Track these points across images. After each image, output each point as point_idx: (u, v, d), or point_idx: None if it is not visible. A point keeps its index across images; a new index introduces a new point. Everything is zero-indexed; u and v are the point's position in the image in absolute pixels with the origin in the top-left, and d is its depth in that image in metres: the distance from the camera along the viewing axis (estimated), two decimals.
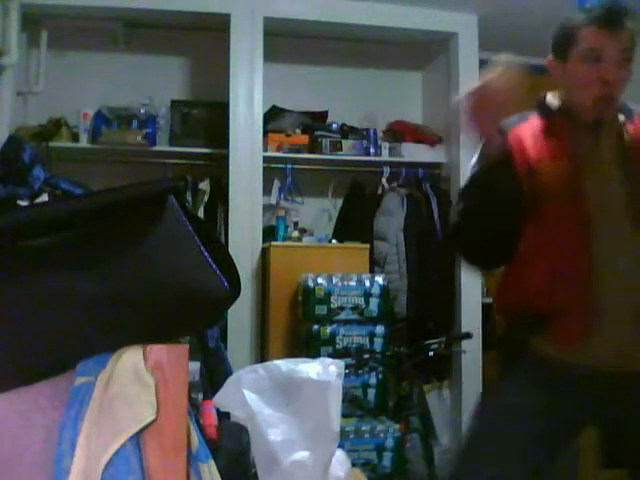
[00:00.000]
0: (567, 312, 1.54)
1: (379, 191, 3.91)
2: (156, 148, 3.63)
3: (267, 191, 3.70)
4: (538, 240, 1.59)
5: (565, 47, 1.66)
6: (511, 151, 1.57)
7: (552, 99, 1.73)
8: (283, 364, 1.16)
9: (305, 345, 3.19)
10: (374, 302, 3.21)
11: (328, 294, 3.17)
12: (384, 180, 3.89)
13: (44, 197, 2.04)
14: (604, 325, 1.52)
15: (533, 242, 1.60)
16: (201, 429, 0.88)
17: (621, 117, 1.66)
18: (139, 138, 3.54)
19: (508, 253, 1.62)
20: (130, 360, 0.81)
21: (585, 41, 1.58)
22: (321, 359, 1.20)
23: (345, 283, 3.20)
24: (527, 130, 1.66)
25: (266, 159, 3.64)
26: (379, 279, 3.27)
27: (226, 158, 3.56)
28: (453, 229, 1.65)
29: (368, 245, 3.59)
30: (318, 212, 4.06)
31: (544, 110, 1.71)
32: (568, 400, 1.56)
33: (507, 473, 1.53)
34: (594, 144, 1.62)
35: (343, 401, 1.15)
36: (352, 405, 3.12)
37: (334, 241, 3.66)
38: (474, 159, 1.63)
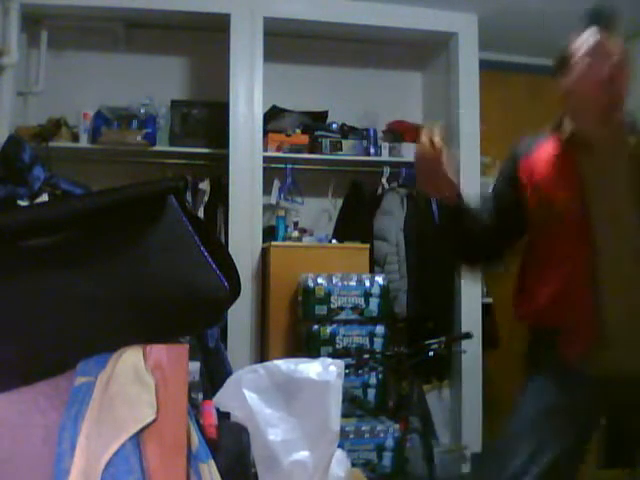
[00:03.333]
0: (574, 329, 1.63)
1: (379, 191, 3.91)
2: (156, 148, 3.63)
3: (267, 191, 3.70)
4: (548, 257, 1.68)
5: (564, 63, 1.70)
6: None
7: (567, 124, 1.72)
8: (283, 364, 1.16)
9: (305, 345, 3.19)
10: (374, 302, 3.21)
11: (328, 294, 3.17)
12: (384, 180, 3.89)
13: (44, 197, 2.04)
14: (608, 342, 1.60)
15: (543, 258, 1.69)
16: (201, 429, 0.88)
17: (632, 139, 1.64)
18: (139, 138, 3.54)
19: (493, 259, 1.82)
20: (130, 360, 0.81)
21: (578, 48, 1.62)
22: (321, 359, 1.19)
23: (345, 283, 3.20)
24: (541, 156, 1.70)
25: (266, 159, 3.64)
26: (379, 279, 3.27)
27: (226, 158, 3.56)
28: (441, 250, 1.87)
29: (368, 245, 3.59)
30: (318, 212, 4.06)
31: (558, 135, 1.72)
32: (584, 401, 1.65)
33: (541, 450, 1.65)
34: (603, 170, 1.63)
35: (343, 401, 1.15)
36: (352, 405, 3.12)
37: (334, 241, 3.66)
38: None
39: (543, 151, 1.71)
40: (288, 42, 3.99)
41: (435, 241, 1.82)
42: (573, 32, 1.65)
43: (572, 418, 1.67)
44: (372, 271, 3.57)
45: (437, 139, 1.53)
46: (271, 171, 3.71)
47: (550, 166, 1.68)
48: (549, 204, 1.64)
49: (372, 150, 3.89)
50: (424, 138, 1.54)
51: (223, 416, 0.99)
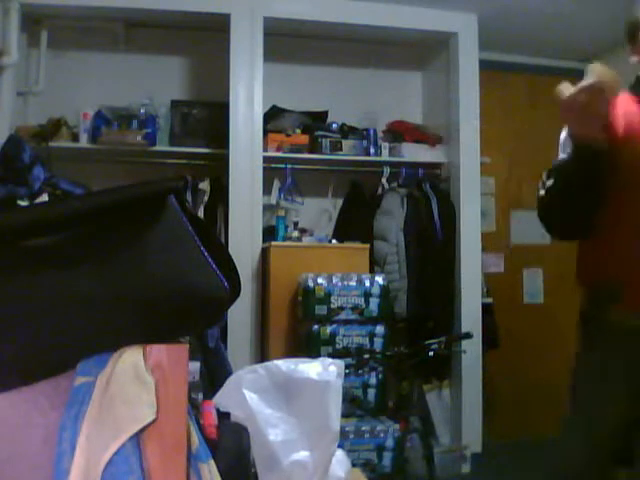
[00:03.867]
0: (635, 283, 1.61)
1: (379, 191, 3.91)
2: (156, 148, 3.63)
3: (267, 191, 3.70)
4: (619, 212, 1.64)
5: (637, 31, 1.69)
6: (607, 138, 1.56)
7: None
8: (283, 364, 1.16)
9: (305, 345, 3.19)
10: (374, 302, 3.21)
11: (328, 294, 3.17)
12: (384, 180, 3.89)
13: (44, 197, 2.04)
14: None
15: (614, 214, 1.64)
16: (201, 429, 0.88)
17: None
18: (139, 138, 3.54)
19: (590, 223, 1.68)
20: (130, 360, 0.81)
21: None
22: (321, 359, 1.19)
23: (345, 283, 3.20)
24: (619, 104, 1.62)
25: (266, 159, 3.64)
26: (379, 279, 3.27)
27: (226, 158, 3.56)
28: (539, 201, 1.71)
29: (368, 245, 3.59)
30: (318, 212, 4.06)
31: (635, 87, 1.71)
32: None
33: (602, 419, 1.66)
34: None
35: (343, 401, 1.15)
36: (352, 405, 3.12)
37: (334, 241, 3.66)
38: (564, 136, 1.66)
39: (622, 98, 1.64)
40: (288, 42, 4.00)
41: (538, 201, 1.69)
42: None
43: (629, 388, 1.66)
44: (372, 271, 3.57)
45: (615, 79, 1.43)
46: (271, 171, 3.71)
47: (626, 112, 1.64)
48: (621, 149, 1.58)
49: (372, 150, 3.89)
50: (602, 74, 1.43)
51: (223, 416, 0.99)
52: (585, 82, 1.42)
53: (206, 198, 3.64)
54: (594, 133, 1.48)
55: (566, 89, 1.46)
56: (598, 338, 1.72)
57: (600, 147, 1.51)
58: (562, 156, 1.67)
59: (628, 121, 1.63)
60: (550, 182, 1.66)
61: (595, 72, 1.42)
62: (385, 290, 3.26)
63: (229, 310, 1.02)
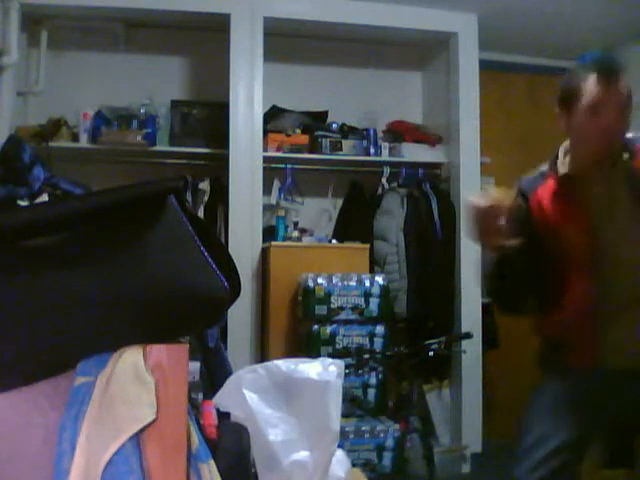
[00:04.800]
0: (583, 345, 1.77)
1: (379, 191, 3.91)
2: (156, 148, 3.63)
3: (267, 191, 3.69)
4: (564, 286, 1.79)
5: (569, 101, 1.75)
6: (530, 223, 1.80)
7: (561, 159, 1.83)
8: (283, 364, 1.16)
9: (305, 345, 3.19)
10: (374, 302, 3.21)
11: (328, 294, 3.17)
12: (384, 180, 3.89)
13: (44, 197, 2.04)
14: (611, 358, 1.73)
15: (560, 287, 1.80)
16: (201, 429, 0.88)
17: (625, 155, 1.74)
18: (139, 138, 3.54)
19: (536, 299, 1.88)
20: (130, 360, 0.81)
21: (586, 95, 1.69)
22: (321, 359, 1.19)
23: (345, 283, 3.20)
24: (546, 192, 1.82)
25: (266, 159, 3.64)
26: (379, 279, 3.27)
27: (226, 158, 3.56)
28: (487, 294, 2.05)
29: (368, 245, 3.59)
30: (318, 212, 4.06)
31: (556, 172, 1.82)
32: (595, 398, 1.78)
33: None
34: (604, 195, 1.74)
35: (343, 401, 1.15)
36: (352, 405, 3.12)
37: (334, 241, 3.66)
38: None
39: (547, 185, 1.82)
40: (288, 42, 4.00)
41: (488, 285, 2.00)
42: (578, 74, 1.73)
43: (576, 413, 1.78)
44: (372, 271, 3.57)
45: (501, 197, 1.62)
46: (271, 171, 3.71)
47: (554, 198, 1.79)
48: (558, 238, 1.77)
49: (372, 150, 3.89)
50: (487, 196, 1.62)
51: (223, 416, 0.99)
52: (477, 206, 1.63)
53: (206, 198, 3.64)
54: (492, 243, 1.71)
55: (476, 201, 1.64)
56: (553, 377, 1.87)
57: (504, 251, 1.71)
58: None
59: (544, 212, 1.80)
60: (487, 285, 1.97)
61: (486, 196, 1.62)
62: (385, 290, 3.26)
63: (229, 310, 1.03)
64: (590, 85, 1.68)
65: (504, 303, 1.96)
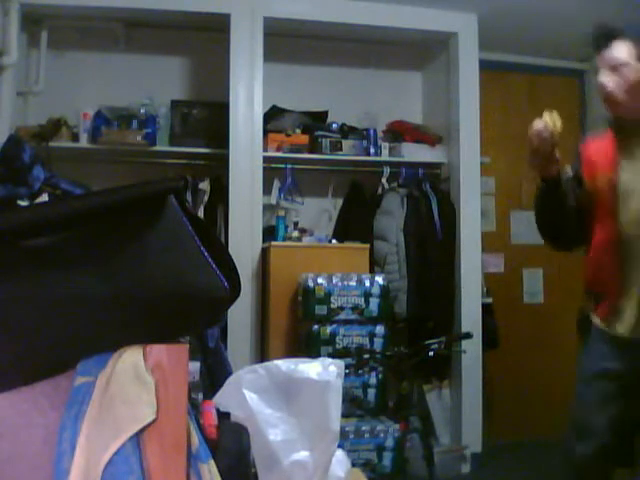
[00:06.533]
0: (606, 294, 1.95)
1: (379, 191, 3.91)
2: (156, 148, 3.63)
3: (267, 191, 3.69)
4: (596, 236, 1.97)
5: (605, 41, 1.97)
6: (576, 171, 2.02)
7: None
8: (283, 364, 1.16)
9: (305, 345, 3.18)
10: (374, 302, 3.21)
11: (328, 294, 3.17)
12: (384, 180, 3.89)
13: (44, 197, 2.04)
14: (629, 306, 1.89)
15: (594, 237, 1.98)
16: (201, 429, 0.88)
17: None
18: (139, 138, 3.54)
19: (576, 237, 2.06)
20: (130, 360, 0.81)
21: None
22: (321, 359, 1.19)
23: (345, 283, 3.20)
24: (599, 145, 2.03)
25: (266, 159, 3.64)
26: (379, 279, 3.27)
27: (226, 158, 3.56)
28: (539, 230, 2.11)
29: (368, 245, 3.59)
30: (318, 212, 4.06)
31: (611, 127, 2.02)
32: (617, 363, 1.92)
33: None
34: (633, 152, 1.93)
35: (343, 401, 1.15)
36: (352, 405, 3.12)
37: (334, 241, 3.66)
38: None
39: (604, 139, 2.01)
40: (288, 42, 4.00)
41: (536, 216, 2.09)
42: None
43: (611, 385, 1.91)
44: (372, 271, 3.57)
45: (558, 124, 1.81)
46: (271, 171, 3.70)
47: (604, 150, 1.99)
48: (597, 184, 1.95)
49: (372, 150, 3.88)
50: (545, 120, 1.81)
51: (223, 416, 0.99)
52: (534, 128, 1.83)
53: (206, 198, 3.64)
54: (543, 169, 1.91)
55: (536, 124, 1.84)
56: (585, 341, 2.04)
57: (553, 179, 1.92)
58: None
59: (593, 161, 1.99)
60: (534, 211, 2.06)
61: (543, 120, 1.82)
62: (385, 290, 3.26)
63: (229, 310, 1.03)
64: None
65: (551, 235, 2.09)
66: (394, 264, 3.71)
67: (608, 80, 1.90)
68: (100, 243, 0.85)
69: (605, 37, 1.93)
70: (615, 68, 1.89)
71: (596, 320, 1.98)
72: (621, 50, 1.89)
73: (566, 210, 1.97)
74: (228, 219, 3.52)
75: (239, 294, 0.97)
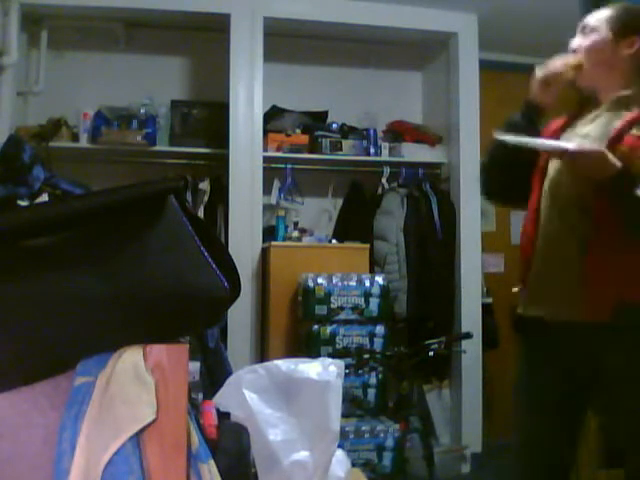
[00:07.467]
0: (523, 275, 1.90)
1: (379, 191, 3.91)
2: (156, 148, 3.63)
3: (267, 191, 3.69)
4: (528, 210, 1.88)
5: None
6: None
7: None
8: (283, 364, 1.16)
9: (305, 345, 3.19)
10: (374, 302, 3.21)
11: (328, 294, 3.17)
12: (384, 180, 3.89)
13: (44, 197, 2.04)
14: (541, 287, 1.81)
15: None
16: (201, 429, 0.88)
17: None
18: (139, 138, 3.54)
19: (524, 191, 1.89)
20: (130, 360, 0.81)
21: None
22: (321, 359, 1.19)
23: (345, 283, 3.20)
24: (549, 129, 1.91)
25: (266, 159, 3.64)
26: (379, 279, 3.27)
27: (226, 158, 3.56)
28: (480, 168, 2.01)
29: (368, 245, 3.59)
30: (318, 212, 4.06)
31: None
32: (543, 351, 1.87)
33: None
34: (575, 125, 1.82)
35: (343, 401, 1.15)
36: (352, 405, 3.12)
37: (334, 241, 3.66)
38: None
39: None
40: (288, 42, 4.00)
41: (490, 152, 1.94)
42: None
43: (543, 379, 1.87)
44: (372, 271, 3.57)
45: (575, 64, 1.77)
46: (271, 171, 3.71)
47: (553, 124, 1.88)
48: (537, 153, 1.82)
49: (372, 150, 3.88)
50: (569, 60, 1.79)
51: (223, 416, 0.99)
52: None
53: (206, 198, 3.64)
54: (537, 92, 1.82)
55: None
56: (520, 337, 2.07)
57: (535, 106, 1.81)
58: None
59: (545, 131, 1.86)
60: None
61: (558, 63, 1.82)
62: (385, 290, 3.26)
63: (229, 310, 1.02)
64: None
65: (490, 185, 2.00)
66: (394, 264, 3.71)
67: (573, 43, 1.85)
68: (100, 243, 0.85)
69: (593, 3, 1.88)
70: (584, 32, 1.83)
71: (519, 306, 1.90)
72: (599, 15, 1.81)
73: (527, 155, 1.80)
74: (228, 219, 3.52)
75: (239, 294, 0.97)
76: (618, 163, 1.55)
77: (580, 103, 1.87)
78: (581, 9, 1.92)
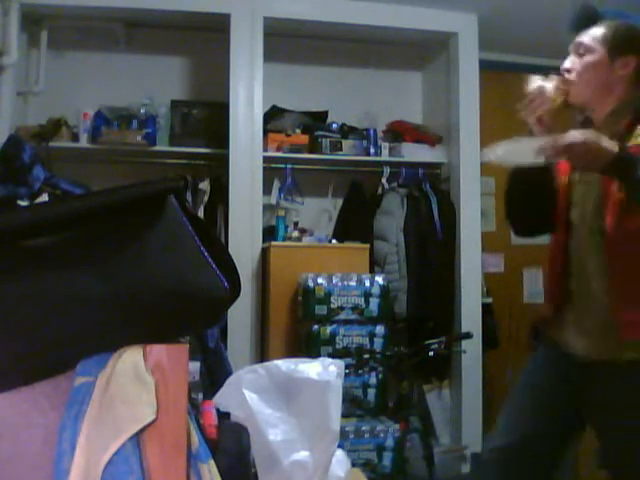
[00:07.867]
0: (553, 306, 1.87)
1: (379, 191, 3.91)
2: (156, 148, 3.62)
3: (267, 191, 3.69)
4: (552, 244, 1.89)
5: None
6: None
7: None
8: (283, 364, 1.16)
9: (305, 345, 3.18)
10: (374, 302, 3.21)
11: (328, 294, 3.17)
12: (384, 180, 3.89)
13: (44, 197, 2.04)
14: (574, 320, 1.79)
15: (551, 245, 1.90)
16: (201, 429, 0.88)
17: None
18: (139, 138, 3.54)
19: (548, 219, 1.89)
20: (130, 360, 0.81)
21: None
22: (321, 359, 1.19)
23: (345, 283, 3.20)
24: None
25: (266, 159, 3.64)
26: (379, 279, 3.27)
27: (226, 158, 3.56)
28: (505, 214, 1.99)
29: (368, 245, 3.59)
30: (318, 212, 4.06)
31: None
32: (560, 377, 1.84)
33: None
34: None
35: (343, 401, 1.15)
36: (352, 405, 3.12)
37: (334, 241, 3.66)
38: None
39: None
40: (288, 42, 3.99)
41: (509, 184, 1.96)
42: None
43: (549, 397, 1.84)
44: (372, 271, 3.57)
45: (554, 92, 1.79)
46: (271, 171, 3.70)
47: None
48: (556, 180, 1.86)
49: (372, 150, 3.88)
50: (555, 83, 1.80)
51: (223, 416, 0.99)
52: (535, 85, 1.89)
53: (206, 198, 3.64)
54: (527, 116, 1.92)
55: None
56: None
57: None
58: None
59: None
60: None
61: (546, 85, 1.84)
62: (385, 290, 3.26)
63: (229, 310, 1.02)
64: None
65: (517, 219, 1.97)
66: (394, 264, 3.71)
67: (566, 62, 1.83)
68: (100, 243, 0.85)
69: (585, 20, 1.82)
70: (580, 53, 1.80)
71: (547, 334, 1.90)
72: (593, 34, 1.78)
73: (549, 180, 1.84)
74: (228, 219, 3.52)
75: (239, 294, 0.97)
76: (615, 147, 1.54)
77: (582, 124, 1.86)
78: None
